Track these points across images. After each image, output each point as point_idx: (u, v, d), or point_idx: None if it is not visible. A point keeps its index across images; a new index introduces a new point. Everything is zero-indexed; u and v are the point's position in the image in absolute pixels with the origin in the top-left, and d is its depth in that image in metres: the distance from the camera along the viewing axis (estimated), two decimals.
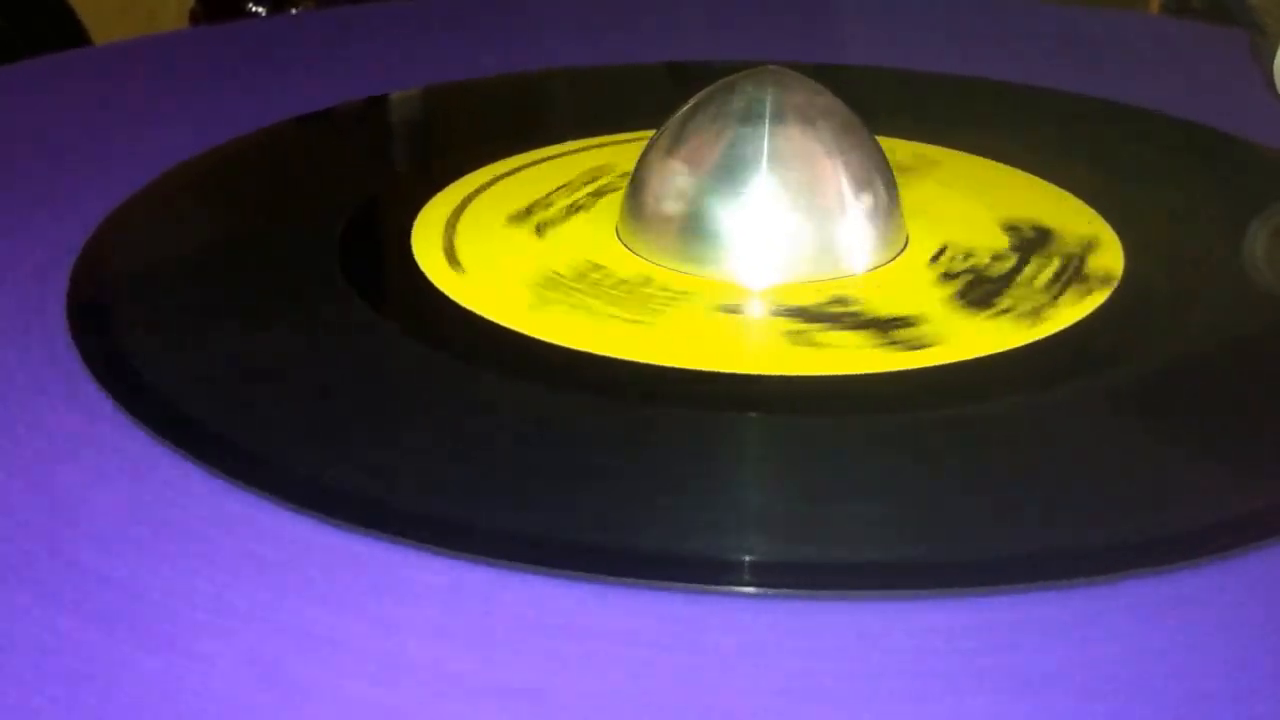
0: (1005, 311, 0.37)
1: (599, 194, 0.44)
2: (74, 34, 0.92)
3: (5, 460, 0.30)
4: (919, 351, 0.35)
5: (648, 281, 0.38)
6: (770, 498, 0.30)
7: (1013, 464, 0.31)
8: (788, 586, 0.26)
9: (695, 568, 0.27)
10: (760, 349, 0.35)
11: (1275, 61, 0.51)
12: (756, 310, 0.37)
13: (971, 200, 0.44)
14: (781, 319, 0.36)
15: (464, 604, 0.26)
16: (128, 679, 0.24)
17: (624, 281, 0.38)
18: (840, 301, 0.37)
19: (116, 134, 0.50)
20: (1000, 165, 0.47)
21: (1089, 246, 0.41)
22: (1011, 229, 0.42)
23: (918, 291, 0.38)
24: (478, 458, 0.30)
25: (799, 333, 0.35)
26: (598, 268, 0.39)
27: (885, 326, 0.36)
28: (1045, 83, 0.56)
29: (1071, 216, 0.43)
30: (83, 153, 0.48)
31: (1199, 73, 0.60)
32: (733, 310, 0.37)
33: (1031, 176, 0.46)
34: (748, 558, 0.27)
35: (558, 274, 0.38)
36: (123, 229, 0.42)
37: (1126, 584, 0.26)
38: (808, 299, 0.37)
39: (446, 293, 0.37)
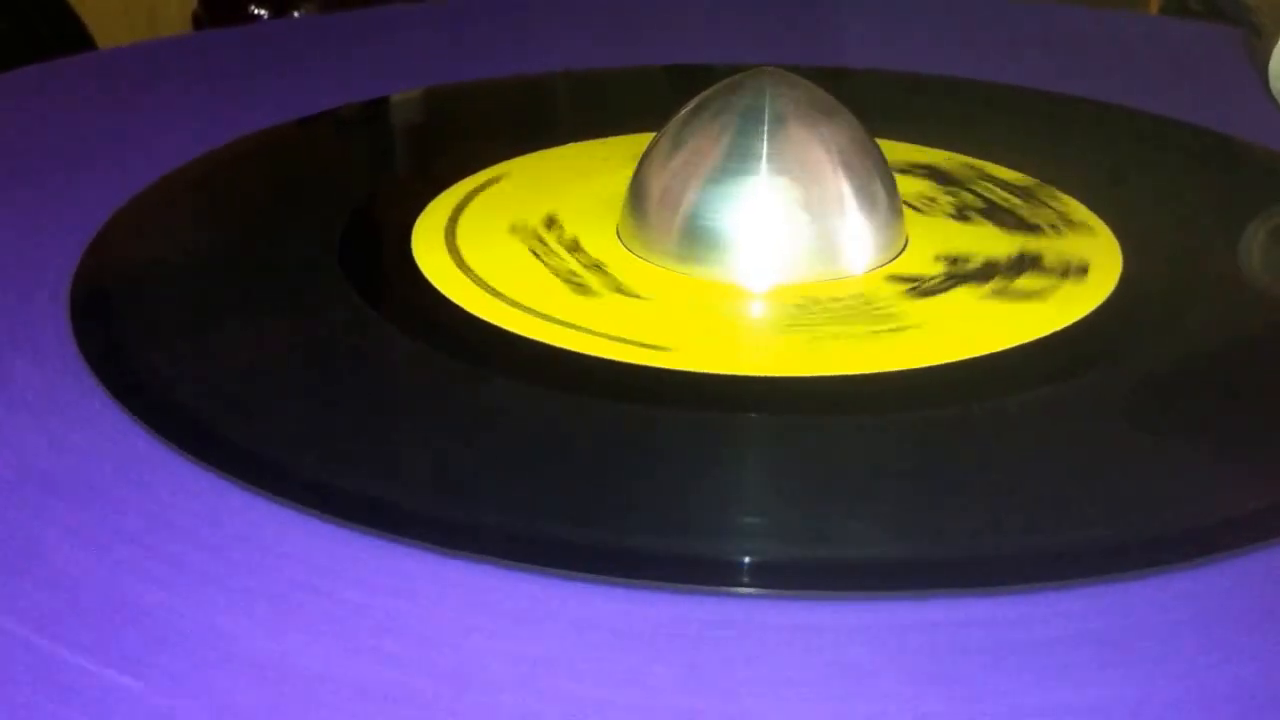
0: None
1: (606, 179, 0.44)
2: (77, 37, 0.93)
3: (7, 460, 0.30)
4: (921, 350, 0.35)
5: (650, 284, 0.38)
6: (771, 498, 0.30)
7: (1012, 464, 0.31)
8: (788, 587, 0.27)
9: (696, 568, 0.27)
10: (762, 350, 0.35)
11: (1271, 62, 0.51)
12: (757, 311, 0.37)
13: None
14: (782, 320, 0.37)
15: (462, 602, 0.26)
16: (128, 681, 0.24)
17: (626, 284, 0.38)
18: (835, 300, 0.37)
19: (119, 136, 0.51)
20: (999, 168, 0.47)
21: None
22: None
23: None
24: (479, 458, 0.31)
25: (799, 332, 0.36)
26: (600, 270, 0.39)
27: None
28: (1046, 85, 0.57)
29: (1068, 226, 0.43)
30: (86, 155, 0.49)
31: (1197, 73, 0.60)
32: (734, 311, 0.37)
33: (1032, 178, 0.46)
34: (748, 559, 0.28)
35: (559, 275, 0.39)
36: (125, 231, 0.42)
37: (1128, 584, 0.26)
38: (809, 299, 0.37)
39: (447, 294, 0.38)
